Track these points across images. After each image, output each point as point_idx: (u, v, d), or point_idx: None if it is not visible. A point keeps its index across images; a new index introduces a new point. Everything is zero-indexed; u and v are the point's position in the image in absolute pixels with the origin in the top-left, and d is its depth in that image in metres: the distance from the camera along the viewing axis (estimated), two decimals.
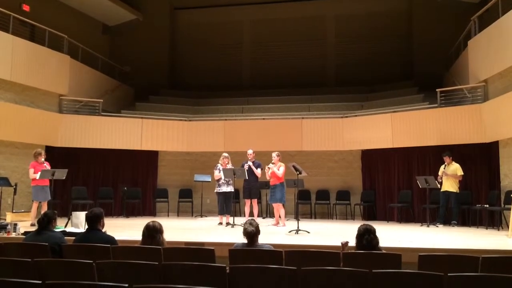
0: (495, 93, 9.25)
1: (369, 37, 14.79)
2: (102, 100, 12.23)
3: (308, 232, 7.57)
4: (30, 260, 3.63)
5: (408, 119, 10.76)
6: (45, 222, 4.71)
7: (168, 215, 12.07)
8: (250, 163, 9.34)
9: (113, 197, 11.73)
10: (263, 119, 12.61)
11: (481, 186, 9.92)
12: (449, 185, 9.41)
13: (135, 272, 3.54)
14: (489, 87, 9.61)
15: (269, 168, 9.06)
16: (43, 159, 8.81)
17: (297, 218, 8.43)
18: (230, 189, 9.27)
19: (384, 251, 4.11)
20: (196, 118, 13.02)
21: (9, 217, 9.12)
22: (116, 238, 4.74)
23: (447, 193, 9.43)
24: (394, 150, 11.10)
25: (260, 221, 8.75)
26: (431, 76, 12.88)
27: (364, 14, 14.89)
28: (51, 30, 11.36)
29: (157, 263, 3.60)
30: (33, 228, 5.43)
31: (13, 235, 6.54)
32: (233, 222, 8.69)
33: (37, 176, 8.42)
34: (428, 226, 9.13)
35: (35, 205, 8.74)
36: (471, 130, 9.79)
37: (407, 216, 10.71)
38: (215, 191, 9.42)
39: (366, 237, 4.00)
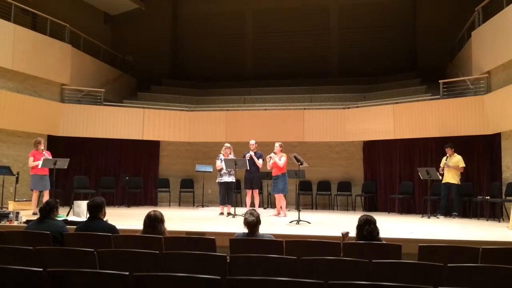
0: (498, 85, 9.20)
1: (372, 28, 14.70)
2: (104, 90, 12.22)
3: (309, 223, 7.58)
4: (32, 248, 3.65)
5: (410, 111, 10.73)
6: (47, 211, 4.75)
7: (169, 205, 12.11)
8: (251, 153, 9.34)
9: (115, 187, 11.78)
10: (265, 109, 12.59)
11: (483, 178, 9.91)
12: (451, 177, 9.40)
13: (136, 261, 3.56)
14: (492, 79, 9.56)
15: (270, 157, 9.06)
16: (42, 148, 8.83)
17: (298, 208, 8.44)
18: (231, 179, 9.29)
19: (384, 242, 4.12)
20: (198, 108, 13.01)
21: (11, 206, 9.17)
22: (118, 227, 4.77)
23: (448, 184, 9.43)
24: (396, 141, 11.09)
25: (261, 211, 8.79)
26: (434, 67, 12.82)
27: (368, 4, 14.78)
28: (53, 19, 11.31)
29: (158, 252, 3.62)
30: (35, 217, 5.45)
31: (15, 223, 6.57)
32: (234, 212, 8.71)
33: (39, 164, 8.44)
34: (429, 217, 9.13)
35: (35, 194, 8.78)
36: (473, 121, 9.76)
37: (408, 207, 10.73)
38: (217, 181, 9.43)
39: (367, 227, 4.02)
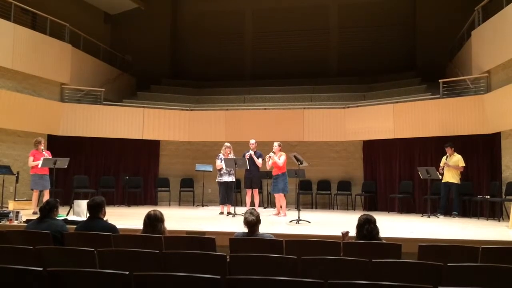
0: (498, 84, 9.20)
1: (372, 27, 14.68)
2: (103, 89, 12.21)
3: (309, 222, 7.58)
4: (32, 247, 3.65)
5: (410, 110, 10.73)
6: (47, 210, 4.74)
7: (169, 204, 12.11)
8: (251, 152, 9.35)
9: (115, 186, 11.77)
10: (265, 109, 12.60)
11: (483, 177, 9.91)
12: (451, 176, 9.40)
13: (136, 260, 3.56)
14: (492, 78, 9.56)
15: (270, 157, 9.06)
16: (43, 148, 8.84)
17: (298, 208, 8.44)
18: (231, 179, 9.29)
19: (384, 241, 4.12)
20: (197, 108, 13.01)
21: (11, 205, 9.17)
22: (118, 226, 4.76)
23: (448, 184, 9.43)
24: (395, 140, 11.09)
25: (261, 211, 8.79)
26: (434, 66, 12.83)
27: (367, 4, 14.78)
28: (53, 18, 11.31)
29: (158, 251, 3.62)
30: (35, 217, 5.45)
31: (15, 223, 6.57)
32: (234, 211, 8.71)
33: (39, 164, 8.45)
34: (428, 216, 9.14)
35: (35, 194, 8.79)
36: (473, 121, 9.76)
37: (408, 206, 10.73)
38: (217, 180, 9.43)
39: (367, 227, 4.01)
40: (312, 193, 11.96)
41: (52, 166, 8.45)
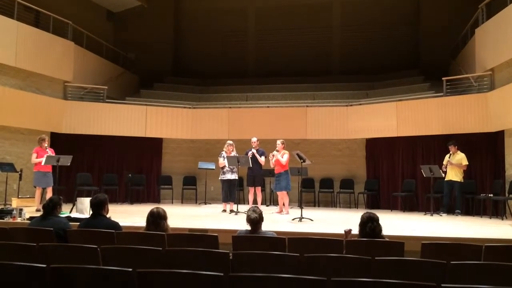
0: (501, 82, 9.18)
1: (375, 25, 14.64)
2: (106, 87, 12.23)
3: (312, 220, 7.59)
4: (35, 244, 3.66)
5: (414, 108, 10.71)
6: (50, 208, 4.75)
7: (172, 202, 12.13)
8: (254, 150, 9.35)
9: (118, 184, 11.80)
10: (268, 107, 12.59)
11: (486, 176, 9.88)
12: (454, 175, 9.38)
13: (139, 257, 3.57)
14: (495, 76, 9.53)
15: (273, 155, 9.06)
16: (46, 145, 8.86)
17: (300, 206, 8.43)
18: (234, 176, 9.29)
19: (387, 239, 4.12)
20: (200, 106, 13.01)
21: (14, 203, 9.20)
22: (121, 224, 4.77)
23: (451, 182, 9.41)
24: (398, 138, 11.07)
25: (263, 208, 8.75)
26: (437, 64, 12.79)
27: (370, 1, 14.72)
28: (56, 16, 11.32)
29: (161, 248, 3.63)
30: (38, 214, 5.47)
31: (19, 220, 6.59)
32: (237, 209, 8.72)
33: (43, 161, 8.46)
34: (431, 215, 9.12)
35: (38, 191, 8.82)
36: (476, 119, 9.73)
37: (410, 205, 10.71)
38: (219, 178, 9.44)
39: (369, 225, 4.01)
40: (314, 191, 11.95)
41: (55, 164, 8.47)
